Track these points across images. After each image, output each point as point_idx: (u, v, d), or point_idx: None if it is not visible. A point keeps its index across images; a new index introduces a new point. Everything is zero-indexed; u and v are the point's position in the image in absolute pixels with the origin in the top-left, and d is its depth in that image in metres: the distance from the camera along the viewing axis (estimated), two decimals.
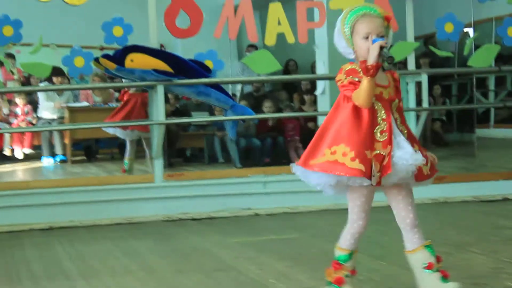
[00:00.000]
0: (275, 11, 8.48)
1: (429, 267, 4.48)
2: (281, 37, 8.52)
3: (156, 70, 8.33)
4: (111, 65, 8.39)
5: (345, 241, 4.59)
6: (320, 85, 10.39)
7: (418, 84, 9.08)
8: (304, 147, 12.10)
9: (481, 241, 6.61)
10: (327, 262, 5.99)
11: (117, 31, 8.36)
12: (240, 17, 8.44)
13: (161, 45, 9.23)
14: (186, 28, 8.41)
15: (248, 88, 14.20)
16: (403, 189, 4.40)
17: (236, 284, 5.44)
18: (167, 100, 11.46)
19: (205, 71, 8.68)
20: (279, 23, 8.48)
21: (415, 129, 8.83)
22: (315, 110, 11.86)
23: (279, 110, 13.10)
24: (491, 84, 15.64)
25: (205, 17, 8.36)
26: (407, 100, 9.00)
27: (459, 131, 14.73)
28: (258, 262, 6.09)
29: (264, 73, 9.19)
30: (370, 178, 4.19)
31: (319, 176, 4.29)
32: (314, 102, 12.33)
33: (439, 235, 7.01)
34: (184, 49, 9.32)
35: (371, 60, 4.13)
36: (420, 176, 4.31)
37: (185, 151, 13.51)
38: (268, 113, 12.15)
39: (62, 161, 13.54)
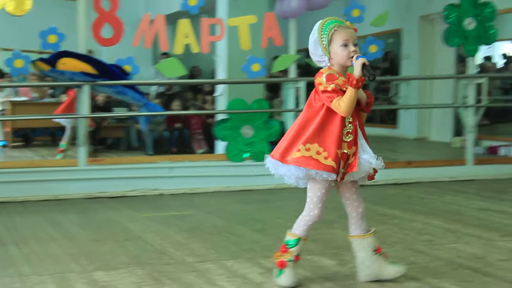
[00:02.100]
0: (183, 25, 8.46)
1: (378, 251, 4.43)
2: (188, 47, 8.52)
3: (83, 72, 8.26)
4: (46, 67, 8.29)
5: (298, 227, 4.39)
6: (219, 88, 10.38)
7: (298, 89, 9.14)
8: (205, 139, 12.16)
9: (341, 218, 6.64)
10: (217, 234, 6.07)
11: (52, 38, 8.23)
12: (154, 29, 8.40)
13: (90, 51, 9.12)
14: (110, 37, 8.34)
15: (161, 89, 14.20)
16: (355, 183, 4.37)
17: (141, 251, 5.42)
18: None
19: (124, 74, 8.64)
20: (186, 36, 8.47)
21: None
22: (214, 108, 11.85)
23: (186, 107, 13.11)
24: None
25: (126, 29, 8.30)
26: (287, 103, 9.07)
27: None
28: (161, 233, 6.08)
29: (173, 77, 9.15)
30: (337, 174, 4.15)
31: (288, 168, 4.19)
32: (213, 102, 12.33)
33: None
34: (109, 55, 9.25)
35: (357, 74, 4.03)
36: (370, 176, 4.30)
37: (106, 140, 13.43)
38: (177, 111, 12.15)
39: (4, 146, 13.27)
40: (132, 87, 9.11)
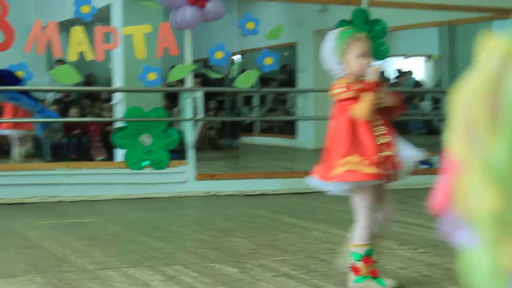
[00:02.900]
0: (77, 33, 8.37)
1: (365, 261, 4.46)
2: (82, 54, 8.44)
3: None
4: None
5: (362, 237, 4.34)
6: (117, 96, 10.33)
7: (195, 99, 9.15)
8: (105, 146, 12.02)
9: (242, 227, 6.75)
10: (117, 242, 6.01)
11: None
12: (47, 36, 8.28)
13: None
14: (1, 42, 8.18)
15: (58, 95, 13.96)
16: (386, 186, 4.41)
17: (41, 258, 5.32)
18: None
19: (16, 80, 8.48)
20: (80, 43, 8.38)
21: (192, 135, 8.92)
22: (112, 116, 11.74)
23: (84, 114, 12.93)
24: (256, 101, 16.02)
25: (17, 35, 8.14)
26: (185, 112, 9.07)
27: (230, 137, 15.00)
28: (61, 241, 5.98)
29: (68, 83, 9.03)
30: (383, 178, 4.16)
31: (334, 185, 4.19)
32: (111, 109, 12.23)
33: (209, 222, 7.13)
34: (0, 61, 9.07)
35: (371, 78, 4.12)
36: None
37: (3, 146, 13.09)
38: (74, 117, 11.97)
39: None
40: (26, 93, 8.95)
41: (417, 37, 14.88)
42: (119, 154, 9.49)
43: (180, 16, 8.79)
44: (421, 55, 16.58)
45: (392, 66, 16.29)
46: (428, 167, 10.78)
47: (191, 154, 8.92)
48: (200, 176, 8.94)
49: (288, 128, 16.01)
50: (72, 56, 8.42)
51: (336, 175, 4.14)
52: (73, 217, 7.32)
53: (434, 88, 14.85)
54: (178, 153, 9.60)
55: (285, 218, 7.29)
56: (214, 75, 9.89)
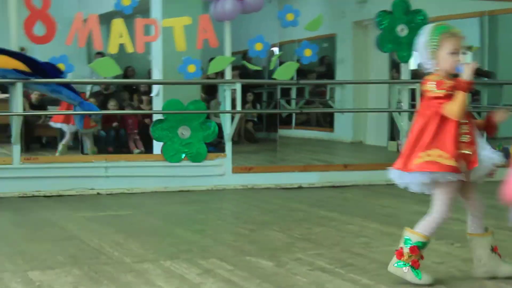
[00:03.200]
0: (118, 25, 8.42)
1: (495, 249, 4.54)
2: (122, 47, 8.48)
3: (16, 70, 8.13)
4: None
5: (428, 229, 4.38)
6: (155, 88, 10.34)
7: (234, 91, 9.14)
8: (141, 139, 12.09)
9: (279, 220, 6.75)
10: (154, 235, 6.04)
11: None
12: (88, 29, 8.35)
13: (22, 49, 8.98)
14: (42, 35, 8.25)
15: (97, 88, 14.02)
16: (475, 184, 4.43)
17: (78, 250, 5.37)
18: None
19: (58, 72, 8.53)
20: (121, 36, 8.43)
21: (230, 128, 8.92)
22: (151, 108, 11.76)
23: (122, 107, 12.99)
24: (293, 93, 15.97)
25: (59, 27, 8.22)
26: (223, 104, 9.08)
27: (267, 130, 14.98)
28: (98, 233, 6.03)
29: (108, 76, 9.09)
30: (461, 174, 4.21)
31: (414, 176, 4.23)
32: (150, 101, 12.25)
33: (245, 215, 7.15)
34: (42, 53, 9.13)
35: (467, 77, 4.14)
36: (490, 173, 4.35)
37: (42, 138, 13.25)
38: (113, 110, 12.02)
39: None
40: (67, 85, 9.00)
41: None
42: (157, 147, 9.52)
43: (220, 8, 8.80)
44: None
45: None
46: None
47: (228, 147, 8.93)
48: (237, 169, 8.95)
49: (326, 121, 15.93)
50: (113, 49, 8.47)
51: (416, 165, 4.20)
52: (111, 210, 7.37)
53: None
54: (215, 146, 9.63)
55: (321, 211, 7.27)
56: (253, 67, 9.87)
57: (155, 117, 9.43)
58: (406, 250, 4.36)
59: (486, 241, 4.50)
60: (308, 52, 9.26)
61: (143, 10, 10.10)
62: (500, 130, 12.28)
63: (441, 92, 4.17)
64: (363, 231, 6.18)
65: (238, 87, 8.89)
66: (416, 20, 9.35)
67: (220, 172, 8.87)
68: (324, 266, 4.90)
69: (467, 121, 4.25)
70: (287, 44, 14.30)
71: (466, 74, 4.15)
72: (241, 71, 12.82)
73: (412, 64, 9.80)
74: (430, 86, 4.22)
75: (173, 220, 6.84)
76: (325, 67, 16.16)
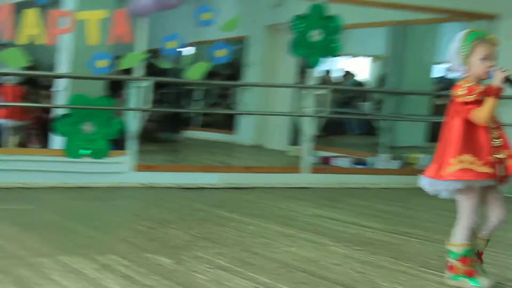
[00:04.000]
0: (30, 15, 8.18)
1: (480, 254, 4.45)
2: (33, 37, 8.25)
3: None
4: None
5: (464, 237, 4.32)
6: (61, 82, 10.09)
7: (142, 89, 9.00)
8: (41, 134, 11.78)
9: (179, 219, 6.68)
10: (51, 230, 5.88)
11: None
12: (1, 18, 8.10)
13: None
14: None
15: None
16: (499, 189, 4.36)
17: None
18: None
19: None
20: (32, 26, 8.19)
21: (134, 127, 8.80)
22: (50, 103, 11.49)
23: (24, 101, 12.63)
24: (199, 94, 15.92)
25: None
26: (130, 102, 8.95)
27: (169, 131, 14.86)
28: None
29: (15, 67, 8.81)
30: (496, 178, 4.16)
31: (448, 183, 4.18)
32: (50, 96, 11.95)
33: (145, 213, 7.05)
34: None
35: (497, 83, 4.12)
36: None
37: None
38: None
39: None
40: None
41: (364, 37, 14.96)
42: (57, 141, 9.29)
43: (136, 3, 8.65)
44: (367, 55, 16.66)
45: (338, 65, 16.33)
46: (364, 167, 10.87)
47: (131, 144, 8.80)
48: (139, 167, 8.83)
49: (229, 124, 15.94)
50: (23, 39, 8.22)
51: (450, 173, 4.16)
52: (7, 203, 7.15)
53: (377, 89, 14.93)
54: (117, 143, 9.47)
55: (221, 212, 7.24)
56: (164, 65, 9.75)
57: (58, 111, 9.19)
58: (456, 263, 4.36)
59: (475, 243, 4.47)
60: (222, 53, 9.21)
61: (57, 1, 9.87)
62: (401, 139, 12.54)
63: (471, 98, 4.16)
64: (263, 232, 6.18)
65: (147, 84, 8.75)
66: (330, 26, 9.41)
67: (121, 169, 8.73)
68: (224, 265, 4.87)
69: (497, 125, 4.26)
70: (198, 45, 14.23)
71: (497, 80, 4.16)
72: (148, 70, 12.69)
73: (320, 70, 9.90)
74: (461, 92, 4.21)
75: (71, 216, 6.69)
76: (232, 70, 16.18)
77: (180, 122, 14.81)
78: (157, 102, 14.25)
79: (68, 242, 5.39)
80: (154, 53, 12.35)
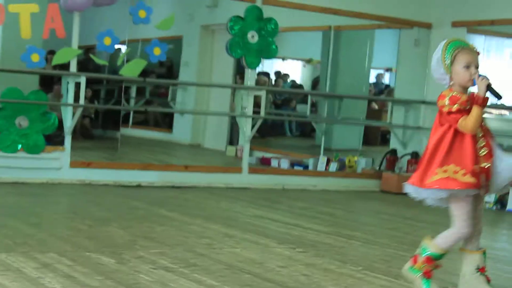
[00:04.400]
0: None
1: (481, 270, 4.35)
2: None
3: None
4: None
5: (446, 243, 4.24)
6: None
7: (77, 85, 8.81)
8: None
9: (119, 218, 6.56)
10: None
11: None
12: None
13: None
14: None
15: None
16: (482, 201, 4.34)
17: None
18: None
19: None
20: None
21: (71, 121, 8.61)
22: None
23: None
24: (133, 92, 15.70)
25: None
26: (66, 97, 8.75)
27: (104, 128, 14.65)
28: None
29: None
30: (480, 188, 4.11)
31: (431, 192, 4.13)
32: None
33: (84, 211, 6.90)
34: None
35: (482, 93, 4.06)
36: None
37: None
38: None
39: None
40: None
41: (299, 40, 14.98)
42: None
43: None
44: (300, 59, 16.70)
45: (273, 67, 16.32)
46: (303, 168, 10.88)
47: (67, 140, 8.62)
48: (75, 164, 8.66)
49: (165, 122, 15.79)
50: None
51: (433, 182, 4.14)
52: None
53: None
54: (52, 139, 9.25)
55: (161, 211, 7.14)
56: (99, 61, 9.56)
57: None
58: (421, 258, 4.30)
59: (473, 259, 4.38)
60: (157, 51, 9.09)
61: None
62: (337, 142, 12.62)
63: (455, 107, 4.13)
64: (205, 232, 6.10)
65: (83, 80, 8.59)
66: (267, 28, 9.41)
67: (57, 165, 8.53)
68: (168, 265, 4.77)
69: (483, 134, 4.23)
70: (133, 43, 14.04)
71: (481, 89, 4.13)
72: (81, 66, 12.49)
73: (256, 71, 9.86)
74: (445, 102, 4.17)
75: (7, 212, 6.50)
76: (165, 69, 16.03)
77: (115, 119, 14.59)
78: (89, 98, 14.07)
79: (6, 239, 5.22)
80: (90, 49, 12.18)
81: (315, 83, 15.32)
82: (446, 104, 4.16)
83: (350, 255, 5.61)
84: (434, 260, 4.28)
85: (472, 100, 4.15)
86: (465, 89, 4.23)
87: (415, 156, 10.39)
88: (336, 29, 12.34)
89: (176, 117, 14.99)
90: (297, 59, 16.71)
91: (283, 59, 16.34)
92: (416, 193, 4.23)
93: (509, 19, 9.68)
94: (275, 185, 9.55)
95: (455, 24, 10.26)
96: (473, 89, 4.22)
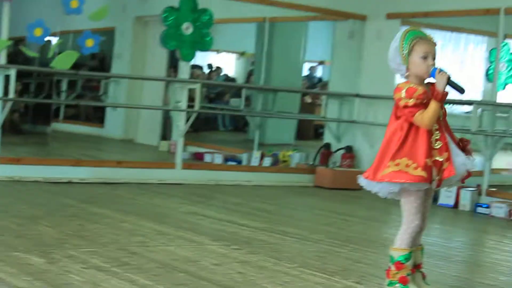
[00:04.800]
0: None
1: (418, 266, 4.32)
2: None
3: None
4: None
5: (404, 242, 4.21)
6: None
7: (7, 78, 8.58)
8: None
9: (49, 215, 6.40)
10: None
11: None
12: None
13: None
14: None
15: None
16: (430, 197, 4.29)
17: None
18: None
19: None
20: None
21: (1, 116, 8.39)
22: None
23: None
24: (64, 85, 15.42)
25: None
26: None
27: (34, 122, 14.37)
28: None
29: None
30: (431, 183, 4.05)
31: (382, 185, 4.10)
32: None
33: (13, 209, 6.71)
34: None
35: (442, 88, 4.01)
36: (463, 179, 4.21)
37: None
38: None
39: None
40: None
41: (232, 33, 14.92)
42: None
43: None
44: (233, 52, 16.64)
45: (206, 60, 16.22)
46: (236, 164, 10.83)
47: None
48: (4, 160, 8.44)
49: (97, 117, 15.55)
50: None
51: (384, 175, 4.10)
52: None
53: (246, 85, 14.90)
54: None
55: (93, 208, 7.00)
56: (29, 54, 9.33)
57: None
58: (392, 267, 4.24)
59: (412, 256, 4.31)
60: (90, 43, 8.92)
61: None
62: (270, 136, 12.60)
63: (412, 101, 4.08)
64: (138, 230, 6.00)
65: (13, 73, 8.36)
66: (202, 19, 9.27)
67: None
68: (99, 264, 4.66)
69: (438, 127, 4.17)
70: (66, 34, 13.77)
71: (440, 84, 4.07)
72: (10, 59, 12.18)
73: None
74: (401, 94, 4.11)
75: None
76: (97, 61, 15.78)
77: (45, 113, 14.31)
78: (19, 92, 13.77)
79: None
80: (20, 40, 11.90)
81: (249, 76, 15.29)
82: (403, 97, 4.11)
83: (285, 252, 5.57)
84: (404, 263, 4.23)
85: (431, 94, 4.12)
86: (421, 80, 4.18)
87: (349, 150, 10.43)
88: (271, 20, 12.31)
89: (108, 111, 14.75)
90: (231, 52, 16.67)
91: (217, 51, 16.28)
92: (369, 186, 4.21)
93: (442, 11, 9.79)
94: (209, 181, 9.47)
95: (389, 16, 10.32)
96: (430, 80, 4.18)
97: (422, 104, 4.09)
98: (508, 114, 9.07)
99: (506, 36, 9.49)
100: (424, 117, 4.07)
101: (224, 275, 4.63)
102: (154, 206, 7.48)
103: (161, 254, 5.11)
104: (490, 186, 8.97)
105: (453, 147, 4.20)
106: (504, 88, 9.96)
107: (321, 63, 16.57)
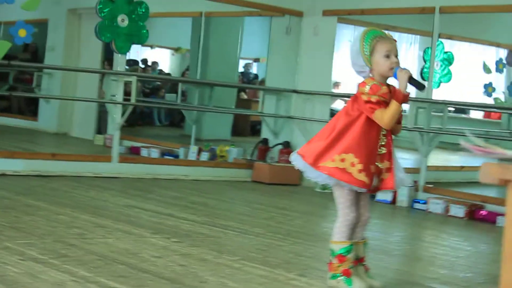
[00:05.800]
0: None
1: (361, 260, 4.28)
2: None
3: None
4: None
5: (341, 235, 4.19)
6: None
7: None
8: None
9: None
10: None
11: None
12: None
13: None
14: None
15: None
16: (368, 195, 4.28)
17: None
18: None
19: None
20: None
21: None
22: None
23: None
24: None
25: None
26: None
27: None
28: None
29: None
30: (368, 189, 4.05)
31: (320, 175, 4.08)
32: None
33: None
34: None
35: (404, 88, 3.97)
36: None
37: None
38: None
39: None
40: None
41: (167, 28, 14.77)
42: None
43: None
44: (168, 47, 16.49)
45: (141, 55, 16.03)
46: (173, 158, 10.71)
47: None
48: None
49: (30, 110, 15.21)
50: None
51: (327, 167, 4.05)
52: None
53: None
54: None
55: (28, 200, 6.80)
56: None
57: None
58: (334, 261, 4.21)
59: (353, 249, 4.28)
60: (22, 33, 8.68)
61: None
62: (207, 132, 12.50)
63: (375, 98, 4.03)
64: (75, 222, 5.84)
65: None
66: (137, 12, 9.10)
67: None
68: (36, 256, 4.51)
69: (386, 133, 4.14)
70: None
71: (402, 82, 4.04)
72: None
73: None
74: (365, 89, 4.06)
75: None
76: (29, 54, 15.44)
77: None
78: None
79: None
80: None
81: (184, 72, 15.16)
82: (366, 92, 4.08)
83: (226, 245, 5.49)
84: (345, 256, 4.21)
85: (393, 94, 4.09)
86: (385, 79, 4.16)
87: (287, 146, 10.39)
88: (207, 15, 12.20)
89: (42, 104, 14.41)
90: (166, 48, 16.51)
91: (151, 47, 16.11)
92: (305, 170, 4.17)
93: (378, 9, 9.82)
94: (146, 175, 9.32)
95: (326, 13, 10.32)
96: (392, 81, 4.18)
97: (384, 103, 4.07)
98: (443, 112, 9.15)
99: (440, 35, 9.56)
100: (384, 116, 4.06)
101: (165, 267, 4.53)
102: (90, 199, 7.31)
103: (100, 246, 4.97)
104: (427, 183, 9.04)
105: (396, 160, 4.22)
106: (438, 86, 10.05)
107: (256, 60, 16.55)
